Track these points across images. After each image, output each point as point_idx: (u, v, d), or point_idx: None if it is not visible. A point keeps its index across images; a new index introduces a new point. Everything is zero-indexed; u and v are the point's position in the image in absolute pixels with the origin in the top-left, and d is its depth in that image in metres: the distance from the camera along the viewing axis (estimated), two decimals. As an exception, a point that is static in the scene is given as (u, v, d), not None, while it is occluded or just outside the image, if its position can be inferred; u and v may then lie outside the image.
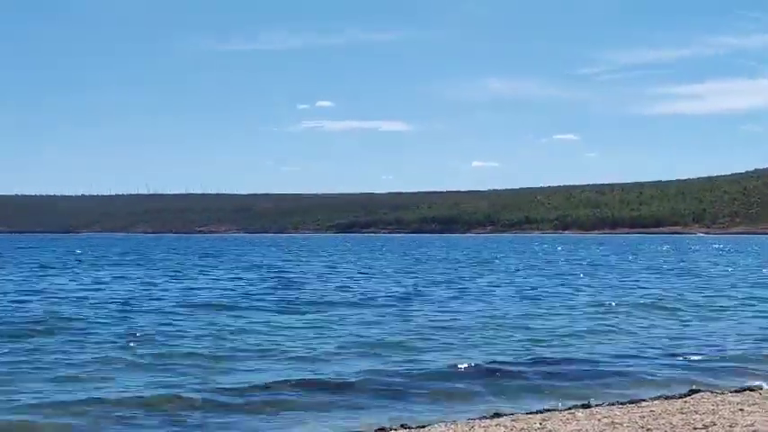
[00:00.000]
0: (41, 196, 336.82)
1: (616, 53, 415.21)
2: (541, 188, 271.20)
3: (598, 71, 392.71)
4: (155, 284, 33.13)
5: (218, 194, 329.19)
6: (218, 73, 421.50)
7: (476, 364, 14.29)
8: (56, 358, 14.77)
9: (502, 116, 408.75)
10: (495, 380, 13.45)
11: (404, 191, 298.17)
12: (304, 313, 22.26)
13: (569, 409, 11.00)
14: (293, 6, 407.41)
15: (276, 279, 36.58)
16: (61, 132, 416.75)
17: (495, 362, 14.64)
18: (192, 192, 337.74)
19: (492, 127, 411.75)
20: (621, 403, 11.33)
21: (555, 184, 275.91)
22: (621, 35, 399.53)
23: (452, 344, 16.81)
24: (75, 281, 35.25)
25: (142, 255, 70.26)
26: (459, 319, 20.79)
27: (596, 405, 11.21)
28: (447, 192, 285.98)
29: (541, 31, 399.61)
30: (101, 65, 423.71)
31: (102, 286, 32.03)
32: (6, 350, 15.46)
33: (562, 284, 33.52)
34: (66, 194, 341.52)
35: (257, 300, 26.18)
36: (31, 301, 25.17)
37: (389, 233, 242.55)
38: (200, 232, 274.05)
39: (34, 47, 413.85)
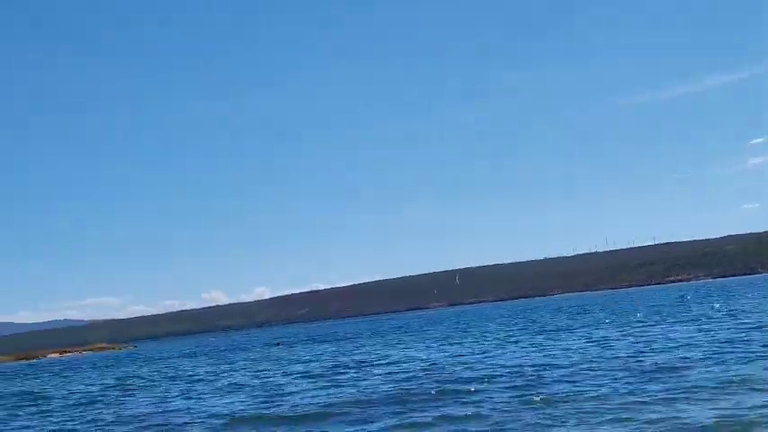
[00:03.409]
0: (514, 263, 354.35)
1: None
2: None
3: None
4: None
5: (675, 243, 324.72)
6: (652, 119, 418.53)
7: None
8: None
9: None
10: None
11: None
12: None
13: None
14: (724, 44, 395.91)
15: None
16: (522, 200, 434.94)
17: None
18: (639, 245, 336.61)
19: None
20: None
21: None
22: None
23: None
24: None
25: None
26: None
27: None
28: None
29: None
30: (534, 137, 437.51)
31: None
32: None
33: None
34: (532, 259, 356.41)
35: None
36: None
37: None
38: (669, 281, 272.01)
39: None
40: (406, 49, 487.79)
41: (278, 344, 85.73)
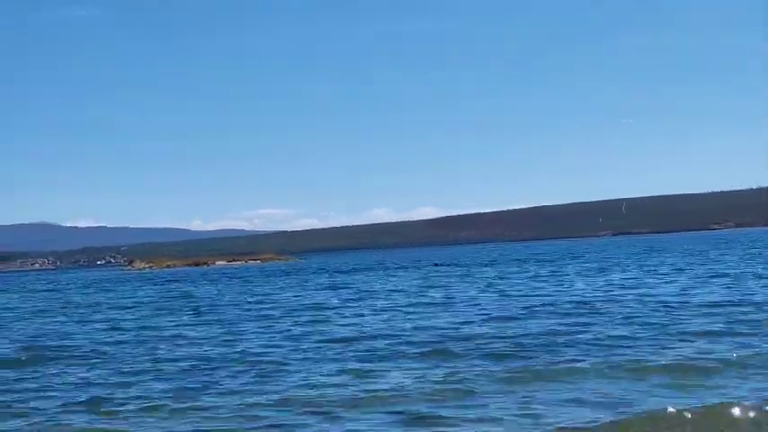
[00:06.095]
0: (680, 195, 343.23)
1: None
2: None
3: None
4: None
5: None
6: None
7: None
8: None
9: None
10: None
11: None
12: None
13: None
14: None
15: None
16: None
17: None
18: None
19: None
20: None
21: None
22: None
23: None
24: None
25: None
26: None
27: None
28: None
29: None
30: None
31: None
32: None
33: None
34: (702, 192, 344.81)
35: None
36: None
37: None
38: None
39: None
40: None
41: (436, 264, 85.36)
